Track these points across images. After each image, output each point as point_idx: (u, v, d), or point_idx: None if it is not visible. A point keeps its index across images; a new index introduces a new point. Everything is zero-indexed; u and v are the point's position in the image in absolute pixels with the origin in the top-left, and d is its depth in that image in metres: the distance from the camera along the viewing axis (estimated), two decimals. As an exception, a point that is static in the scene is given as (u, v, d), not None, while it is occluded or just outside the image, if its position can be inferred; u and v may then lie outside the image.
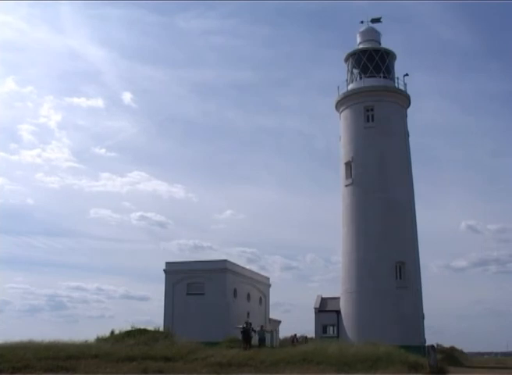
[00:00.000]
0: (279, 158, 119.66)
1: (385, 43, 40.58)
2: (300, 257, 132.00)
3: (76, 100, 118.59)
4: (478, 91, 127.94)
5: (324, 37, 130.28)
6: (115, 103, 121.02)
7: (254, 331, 28.80)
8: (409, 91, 38.96)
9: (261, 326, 31.98)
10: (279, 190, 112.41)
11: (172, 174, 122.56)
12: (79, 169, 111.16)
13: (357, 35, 40.65)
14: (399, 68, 40.24)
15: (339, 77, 41.07)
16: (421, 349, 28.37)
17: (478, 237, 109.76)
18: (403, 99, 38.57)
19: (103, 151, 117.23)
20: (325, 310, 38.03)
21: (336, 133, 40.19)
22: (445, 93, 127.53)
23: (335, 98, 39.45)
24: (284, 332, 55.43)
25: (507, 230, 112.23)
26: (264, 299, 49.44)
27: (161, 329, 33.18)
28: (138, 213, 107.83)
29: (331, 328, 37.30)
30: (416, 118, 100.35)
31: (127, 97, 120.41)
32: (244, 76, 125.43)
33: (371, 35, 40.14)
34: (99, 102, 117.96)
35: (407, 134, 38.08)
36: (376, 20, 40.42)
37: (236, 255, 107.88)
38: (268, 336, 33.58)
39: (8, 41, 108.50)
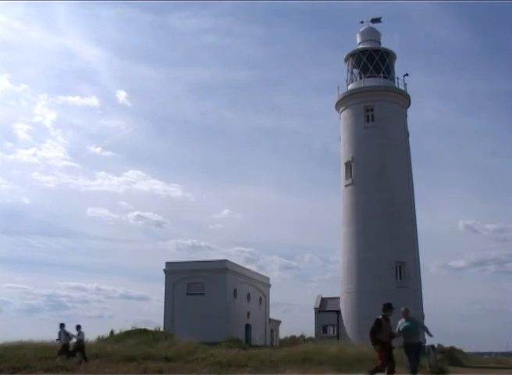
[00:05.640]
0: (276, 157, 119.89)
1: (384, 43, 40.69)
2: (298, 257, 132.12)
3: (70, 99, 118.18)
4: (478, 91, 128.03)
5: (321, 37, 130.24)
6: (110, 102, 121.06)
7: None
8: (409, 91, 39.06)
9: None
10: (276, 189, 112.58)
11: (168, 173, 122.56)
12: (75, 168, 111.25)
13: (357, 35, 40.67)
14: (398, 68, 40.37)
15: (336, 77, 41.32)
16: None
17: (476, 236, 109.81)
18: (404, 99, 38.61)
19: (98, 150, 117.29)
20: (325, 310, 38.06)
21: (332, 133, 40.37)
22: (445, 93, 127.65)
23: (333, 98, 39.51)
24: (284, 332, 55.42)
25: (506, 230, 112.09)
26: (264, 299, 49.48)
27: (162, 329, 33.21)
28: (135, 213, 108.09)
29: (331, 328, 37.32)
30: (416, 118, 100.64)
31: (122, 96, 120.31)
32: (240, 75, 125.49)
33: (371, 35, 40.17)
34: (94, 101, 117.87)
35: (407, 134, 38.13)
36: (376, 20, 40.44)
37: (234, 255, 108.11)
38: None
39: (3, 40, 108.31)
